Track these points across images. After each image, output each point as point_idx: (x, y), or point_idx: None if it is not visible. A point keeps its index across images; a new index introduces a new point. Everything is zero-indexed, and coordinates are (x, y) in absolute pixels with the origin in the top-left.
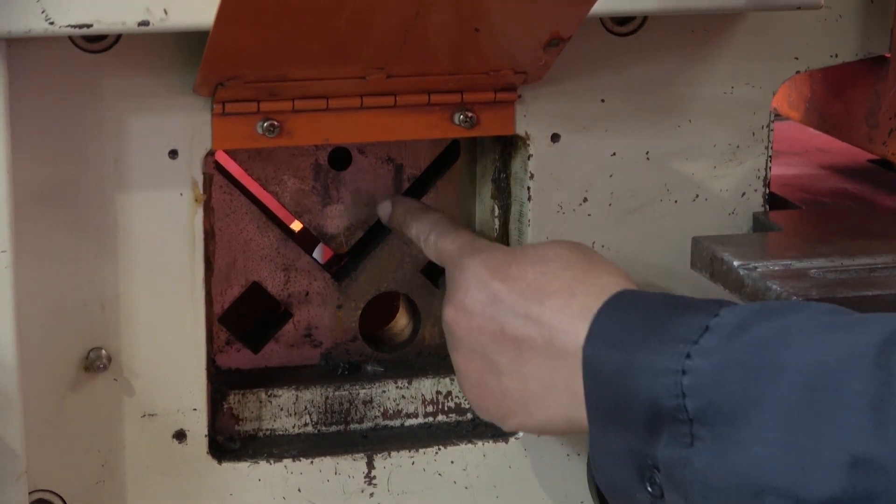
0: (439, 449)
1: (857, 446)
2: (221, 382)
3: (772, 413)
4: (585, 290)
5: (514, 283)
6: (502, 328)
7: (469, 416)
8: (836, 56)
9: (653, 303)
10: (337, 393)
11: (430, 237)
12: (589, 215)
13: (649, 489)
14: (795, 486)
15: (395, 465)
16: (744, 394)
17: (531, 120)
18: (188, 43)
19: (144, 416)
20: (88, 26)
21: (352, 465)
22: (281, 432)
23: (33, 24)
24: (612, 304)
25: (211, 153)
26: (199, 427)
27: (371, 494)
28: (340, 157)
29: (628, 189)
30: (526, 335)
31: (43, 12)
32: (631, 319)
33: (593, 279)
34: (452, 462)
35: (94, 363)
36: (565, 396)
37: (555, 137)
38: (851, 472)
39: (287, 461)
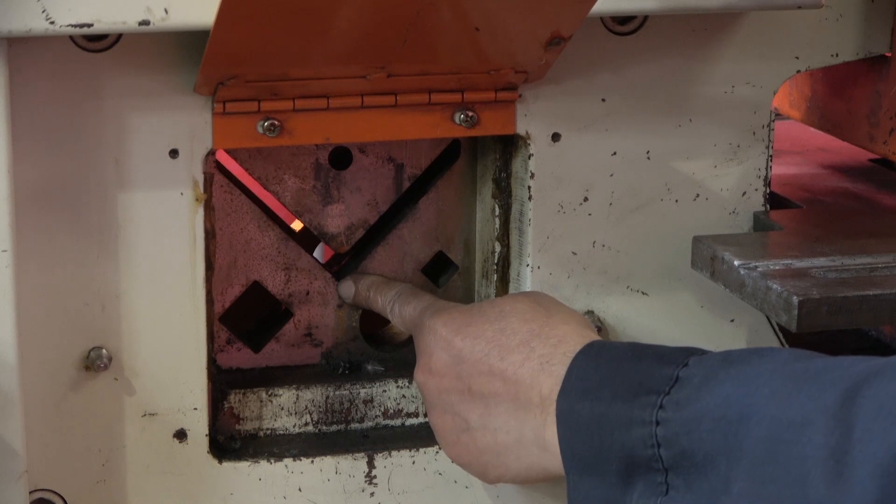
0: (440, 448)
1: (818, 497)
2: (222, 382)
3: (739, 464)
4: (543, 342)
5: (475, 341)
6: (469, 386)
7: None
8: (837, 55)
9: (622, 354)
10: (337, 392)
11: (395, 307)
12: (589, 215)
13: None
14: None
15: (395, 464)
16: (713, 444)
17: (532, 119)
18: (189, 42)
19: (145, 415)
20: (89, 26)
21: (352, 465)
22: (281, 432)
23: (34, 23)
24: (582, 357)
25: (211, 152)
26: (199, 426)
27: (372, 494)
28: (341, 157)
29: (629, 188)
30: (491, 391)
31: (43, 12)
32: (602, 371)
33: (549, 331)
34: (453, 461)
35: (95, 362)
36: (535, 447)
37: (555, 137)
38: None
39: (288, 460)
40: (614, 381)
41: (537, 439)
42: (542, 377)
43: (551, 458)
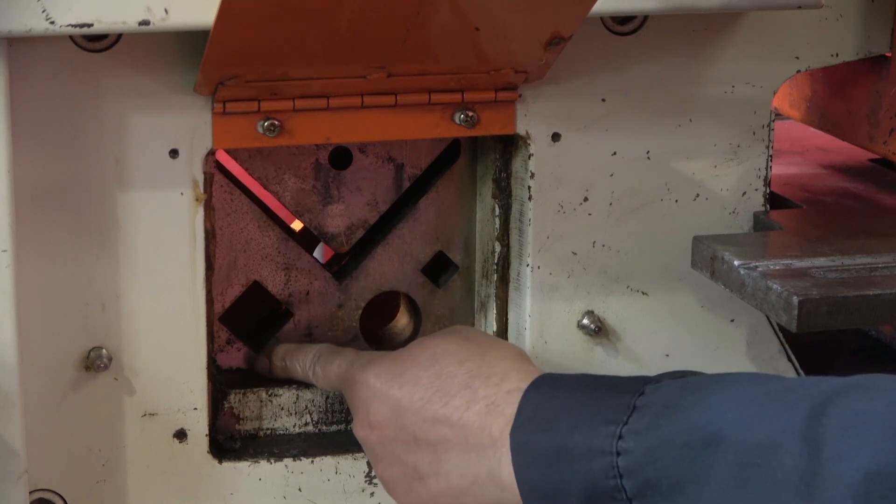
0: None
1: None
2: (222, 382)
3: (708, 491)
4: (484, 383)
5: (413, 388)
6: (413, 435)
7: None
8: (837, 55)
9: (575, 385)
10: (337, 392)
11: (316, 369)
12: (589, 215)
13: None
14: None
15: None
16: (679, 472)
17: (532, 119)
18: (189, 42)
19: (145, 415)
20: (89, 25)
21: (352, 465)
22: (281, 432)
23: (34, 23)
24: (534, 390)
25: (211, 152)
26: (199, 426)
27: (372, 494)
28: (341, 157)
29: (629, 188)
30: (438, 437)
31: (44, 11)
32: (556, 403)
33: (488, 370)
34: None
35: (95, 362)
36: (492, 486)
37: (555, 137)
38: None
39: (288, 460)
40: (570, 412)
41: (493, 478)
42: (491, 419)
43: (510, 496)
